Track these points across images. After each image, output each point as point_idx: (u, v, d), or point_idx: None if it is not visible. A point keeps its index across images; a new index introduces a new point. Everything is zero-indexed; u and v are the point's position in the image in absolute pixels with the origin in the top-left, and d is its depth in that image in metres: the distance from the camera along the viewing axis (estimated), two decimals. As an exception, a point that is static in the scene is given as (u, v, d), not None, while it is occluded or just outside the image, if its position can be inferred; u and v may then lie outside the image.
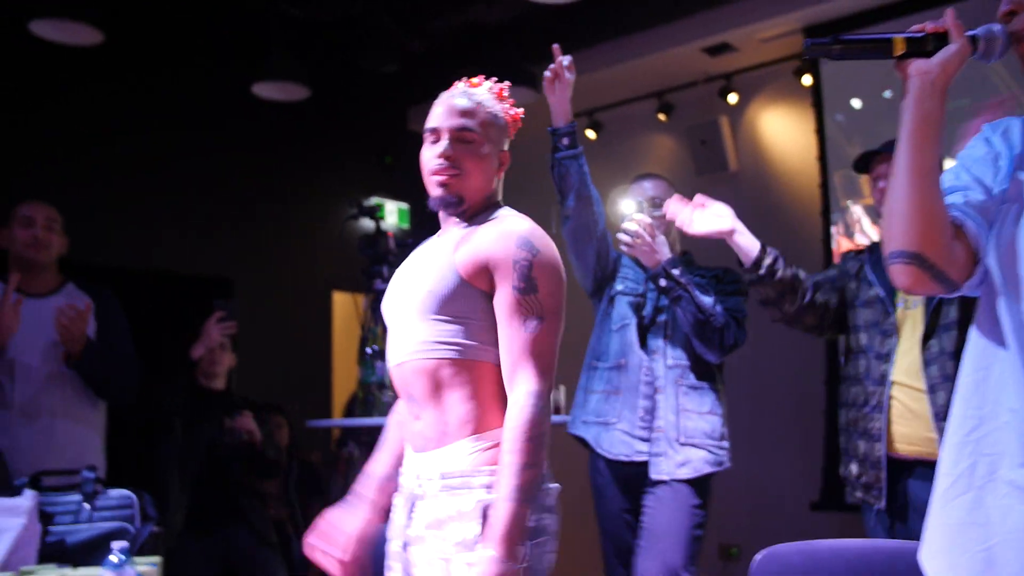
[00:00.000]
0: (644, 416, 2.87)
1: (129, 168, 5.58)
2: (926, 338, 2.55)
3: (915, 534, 2.41)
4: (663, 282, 2.83)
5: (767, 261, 2.70)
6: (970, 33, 1.38)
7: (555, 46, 2.80)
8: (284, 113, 6.08)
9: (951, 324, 2.53)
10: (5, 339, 3.09)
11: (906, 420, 2.57)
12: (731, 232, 2.71)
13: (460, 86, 1.98)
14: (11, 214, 3.38)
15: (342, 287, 6.56)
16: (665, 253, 2.84)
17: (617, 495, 2.99)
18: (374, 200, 6.50)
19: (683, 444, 2.85)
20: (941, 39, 1.36)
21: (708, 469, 2.88)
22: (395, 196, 6.82)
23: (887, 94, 5.17)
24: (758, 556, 2.16)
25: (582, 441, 3.06)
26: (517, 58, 6.10)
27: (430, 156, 1.88)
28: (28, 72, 5.17)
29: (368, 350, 3.62)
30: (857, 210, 5.30)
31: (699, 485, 2.90)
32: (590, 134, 6.35)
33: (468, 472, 1.76)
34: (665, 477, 2.85)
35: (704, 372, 2.94)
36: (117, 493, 2.67)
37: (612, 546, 3.03)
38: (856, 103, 5.34)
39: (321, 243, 6.53)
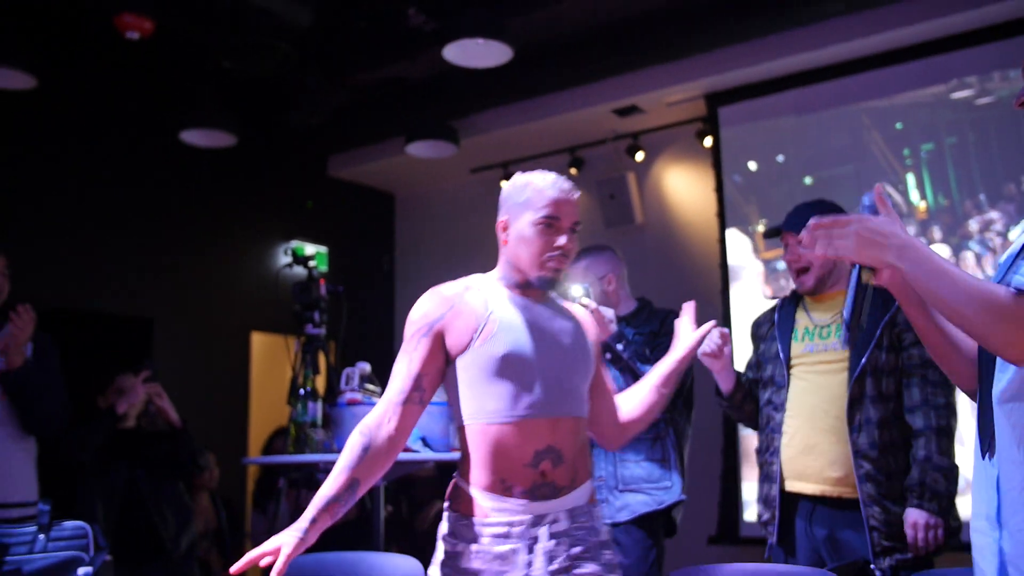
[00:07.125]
0: None
1: (56, 210, 5.65)
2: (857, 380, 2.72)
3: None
4: (607, 355, 3.08)
5: (737, 397, 2.97)
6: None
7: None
8: (210, 159, 6.24)
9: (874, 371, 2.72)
10: None
11: (797, 458, 2.79)
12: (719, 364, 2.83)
13: (562, 178, 2.15)
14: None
15: (261, 328, 6.69)
16: (611, 329, 3.04)
17: None
18: (294, 244, 6.68)
19: (622, 491, 3.16)
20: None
21: (645, 510, 3.15)
22: (314, 240, 6.99)
23: (780, 158, 5.61)
24: (668, 578, 2.44)
25: None
26: (436, 113, 6.38)
27: (547, 243, 2.05)
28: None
29: (301, 391, 3.78)
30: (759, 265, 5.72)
31: (646, 526, 3.17)
32: (504, 185, 6.66)
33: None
34: (607, 521, 3.09)
35: None
36: (71, 524, 2.80)
37: None
38: (752, 165, 5.77)
39: (242, 285, 6.65)
